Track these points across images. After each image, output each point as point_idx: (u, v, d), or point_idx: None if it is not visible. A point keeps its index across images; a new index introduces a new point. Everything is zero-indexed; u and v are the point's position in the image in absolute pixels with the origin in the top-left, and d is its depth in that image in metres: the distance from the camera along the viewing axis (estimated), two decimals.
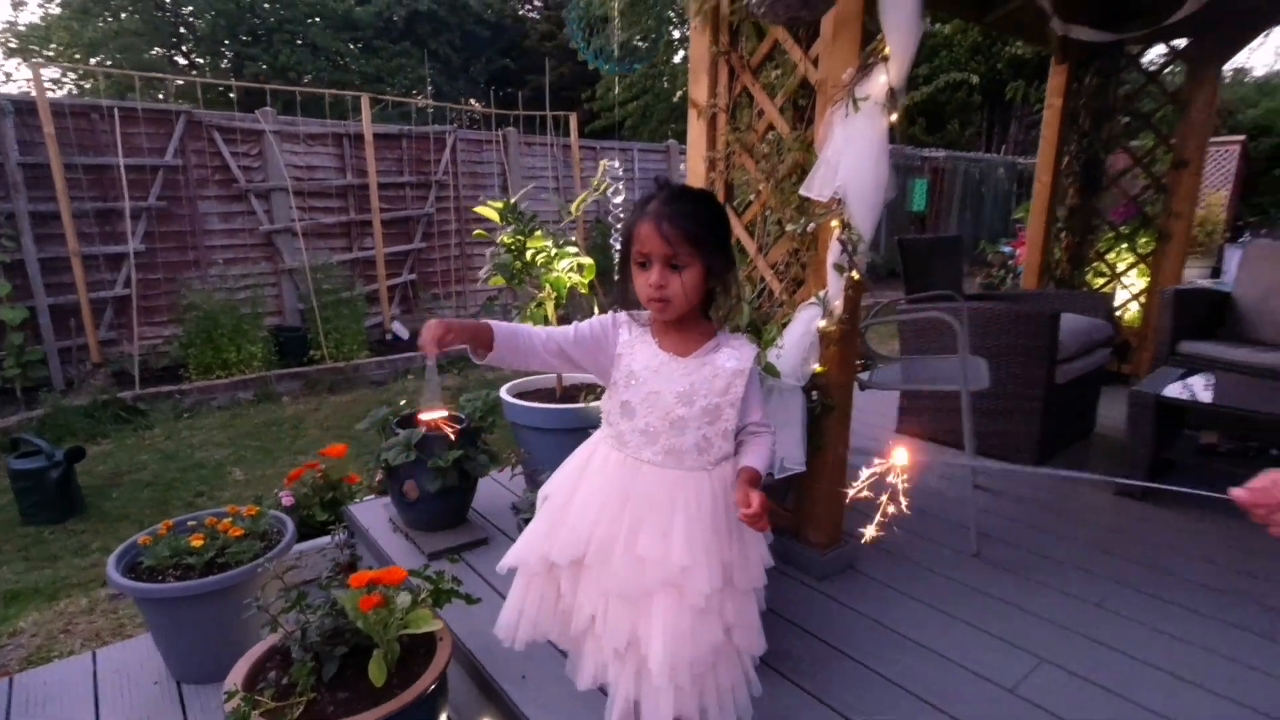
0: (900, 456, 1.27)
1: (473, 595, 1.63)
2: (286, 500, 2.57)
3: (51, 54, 15.36)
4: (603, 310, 1.69)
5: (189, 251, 5.32)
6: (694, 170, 2.33)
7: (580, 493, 1.30)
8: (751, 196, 2.21)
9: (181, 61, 15.80)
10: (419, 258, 6.56)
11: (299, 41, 15.78)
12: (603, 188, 2.63)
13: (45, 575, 2.81)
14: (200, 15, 14.95)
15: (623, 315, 1.30)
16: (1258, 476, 0.88)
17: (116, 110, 4.76)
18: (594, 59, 2.37)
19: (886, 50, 1.67)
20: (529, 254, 2.40)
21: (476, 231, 2.63)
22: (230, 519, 2.07)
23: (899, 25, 1.65)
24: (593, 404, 2.47)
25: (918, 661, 1.75)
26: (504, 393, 2.58)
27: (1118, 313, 4.37)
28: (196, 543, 1.95)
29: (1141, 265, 4.38)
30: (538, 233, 2.43)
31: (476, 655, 1.75)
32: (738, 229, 2.26)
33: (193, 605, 1.85)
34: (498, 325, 1.24)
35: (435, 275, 6.71)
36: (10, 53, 15.44)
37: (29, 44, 15.28)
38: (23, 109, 4.50)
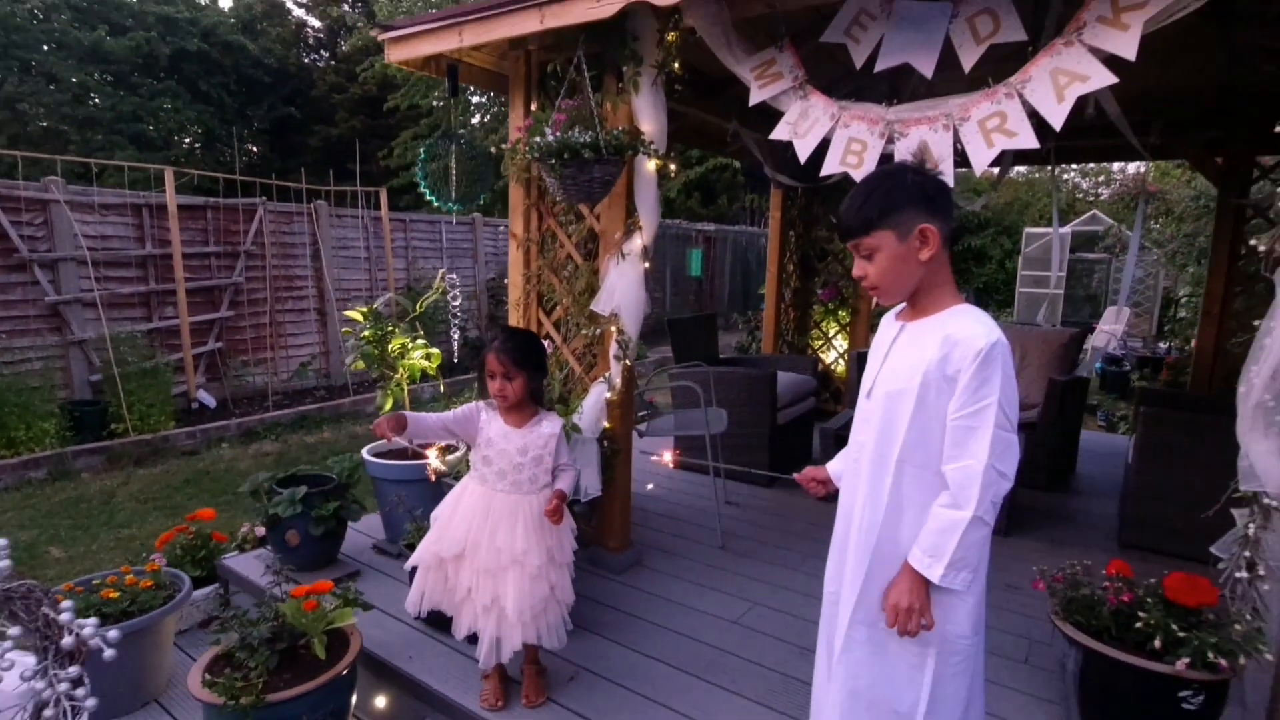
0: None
1: (368, 604, 2.27)
2: (160, 561, 2.89)
3: None
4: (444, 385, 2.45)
5: None
6: (514, 283, 3.16)
7: (459, 512, 2.06)
8: (558, 303, 3.08)
9: None
10: (226, 326, 6.59)
11: (31, 70, 14.22)
12: (441, 289, 3.35)
13: None
14: None
15: (482, 404, 2.09)
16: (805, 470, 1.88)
17: None
18: (437, 200, 3.11)
19: (641, 223, 2.66)
20: (390, 345, 3.04)
21: (344, 330, 3.18)
22: (134, 575, 2.46)
23: (646, 209, 2.64)
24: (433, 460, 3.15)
25: (679, 613, 2.68)
26: (366, 453, 3.16)
27: (834, 366, 5.90)
28: (110, 595, 2.34)
29: (844, 331, 5.95)
30: (394, 330, 3.08)
31: (370, 649, 2.36)
32: (548, 326, 3.12)
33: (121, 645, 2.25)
34: (410, 415, 1.98)
35: (245, 342, 6.76)
36: None
37: None
38: None
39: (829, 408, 5.69)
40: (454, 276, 3.28)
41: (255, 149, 18.67)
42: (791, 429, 4.49)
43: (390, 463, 3.09)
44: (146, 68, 15.75)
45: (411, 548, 2.41)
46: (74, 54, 14.46)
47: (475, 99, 15.64)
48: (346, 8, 19.56)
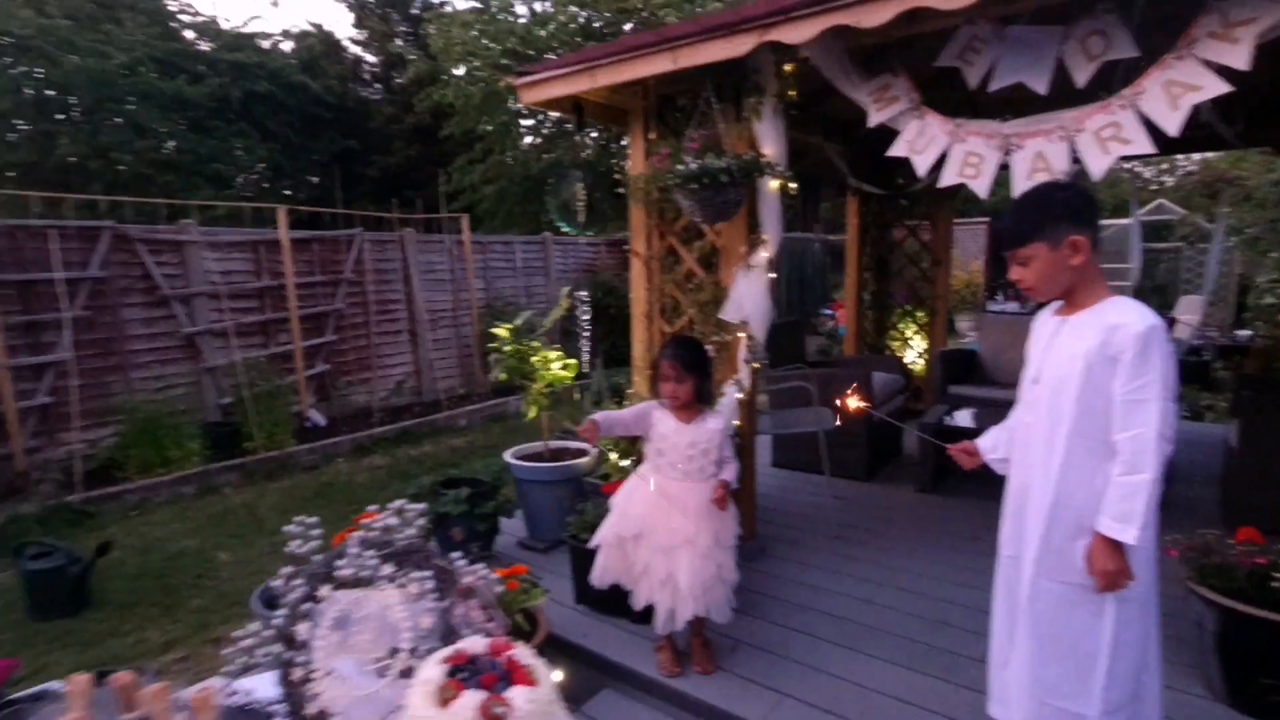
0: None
1: (544, 589, 2.57)
2: None
3: None
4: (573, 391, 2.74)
5: (111, 357, 5.56)
6: (638, 296, 3.45)
7: (636, 498, 2.34)
8: (683, 313, 3.35)
9: None
10: (331, 349, 7.08)
11: (119, 120, 15.24)
12: (567, 307, 3.66)
13: (100, 655, 3.22)
14: (6, 93, 13.98)
15: (655, 403, 2.37)
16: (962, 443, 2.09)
17: (59, 231, 5.07)
18: (567, 226, 3.42)
19: (765, 238, 2.92)
20: (532, 358, 3.36)
21: (491, 345, 3.51)
22: None
23: (771, 225, 2.90)
24: (574, 461, 3.46)
25: (813, 594, 2.92)
26: (509, 457, 3.47)
27: (912, 366, 6.05)
28: None
29: (921, 332, 6.09)
30: (537, 345, 3.39)
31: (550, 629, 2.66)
32: (671, 335, 3.39)
33: None
34: (602, 417, 2.28)
35: (348, 364, 7.25)
36: None
37: None
38: None
39: (912, 406, 5.84)
40: (584, 293, 3.58)
41: (317, 180, 19.56)
42: (884, 425, 4.67)
43: (532, 465, 3.40)
44: (220, 112, 16.70)
45: (574, 538, 2.72)
46: (157, 103, 15.45)
47: (526, 122, 16.17)
48: (400, 43, 20.41)
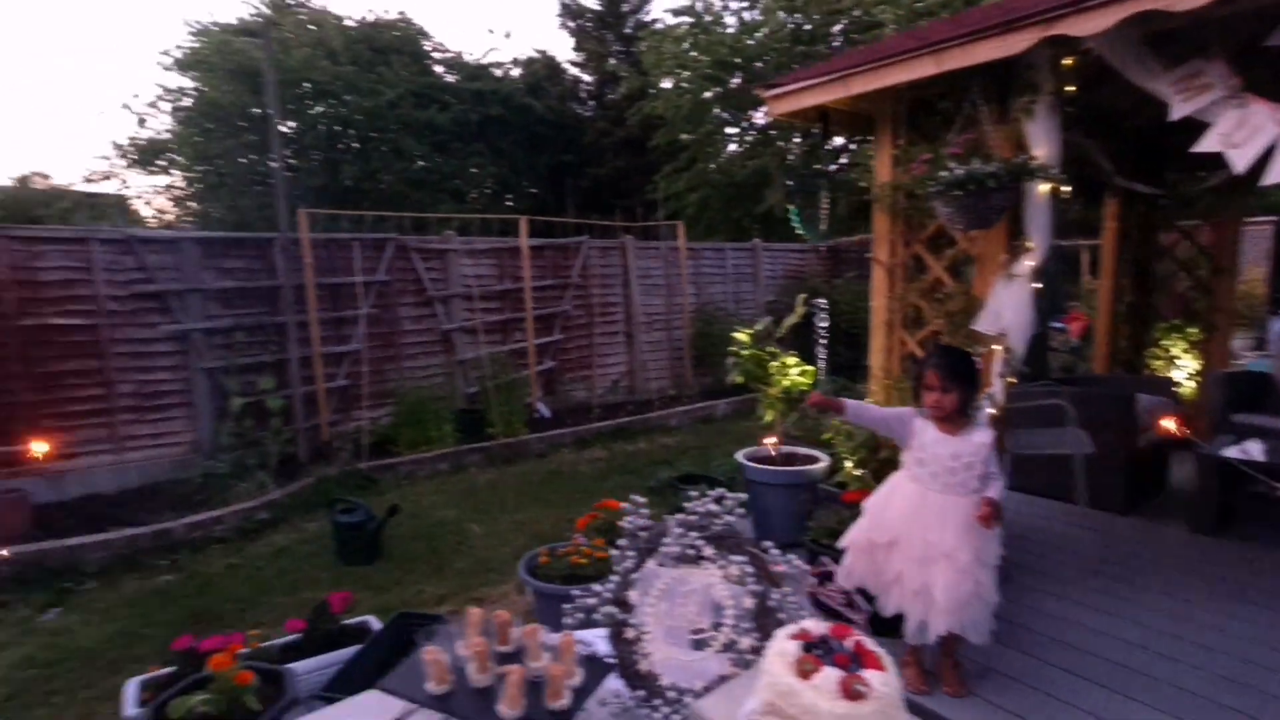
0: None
1: None
2: (580, 540, 3.57)
3: (165, 163, 17.47)
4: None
5: (389, 348, 6.55)
6: (879, 305, 3.41)
7: (891, 504, 2.33)
8: (929, 325, 3.25)
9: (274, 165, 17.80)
10: (558, 347, 7.74)
11: (384, 148, 17.73)
12: (802, 314, 3.70)
13: (391, 599, 3.82)
14: (309, 130, 16.77)
15: (916, 411, 2.34)
16: None
17: (359, 242, 6.12)
18: (807, 232, 3.48)
19: (1030, 245, 2.75)
20: (769, 364, 3.45)
21: (731, 349, 3.66)
22: (590, 547, 3.10)
23: (1038, 232, 2.73)
24: (807, 467, 3.49)
25: (1067, 628, 2.69)
26: (742, 458, 3.59)
27: (1175, 389, 5.29)
28: (579, 561, 2.98)
29: (1192, 350, 5.31)
30: (775, 350, 3.48)
31: None
32: (912, 344, 3.30)
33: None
34: (851, 402, 2.31)
35: (571, 362, 7.89)
36: (132, 163, 17.52)
37: (152, 157, 17.28)
38: (286, 243, 5.82)
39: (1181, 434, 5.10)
40: (822, 300, 3.62)
41: (536, 192, 21.27)
42: (1148, 453, 4.16)
43: (766, 467, 3.48)
44: (460, 134, 18.79)
45: (815, 542, 2.75)
46: (413, 131, 17.80)
47: (731, 130, 16.39)
48: (613, 61, 21.64)
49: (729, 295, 9.39)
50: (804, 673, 1.02)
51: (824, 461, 3.46)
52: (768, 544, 1.49)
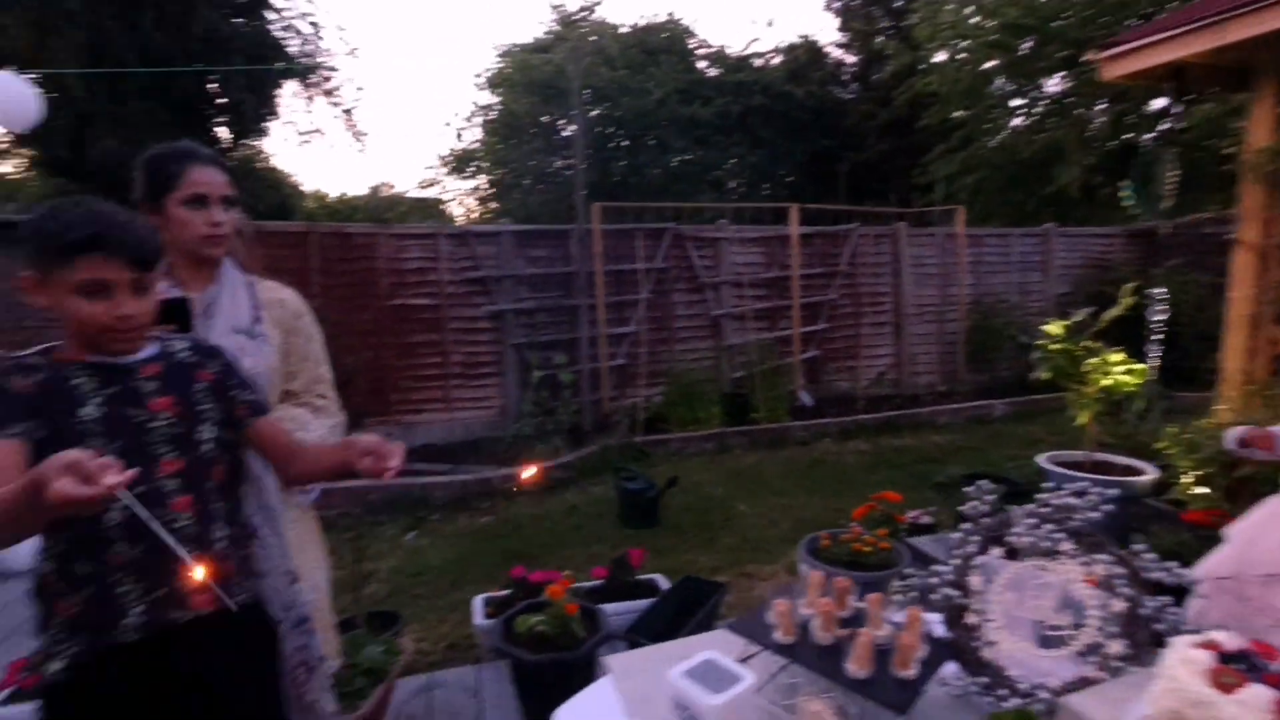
0: None
1: None
2: (858, 529, 3.53)
3: (473, 169, 20.32)
4: None
5: (663, 331, 7.02)
6: (1239, 296, 2.86)
7: (1272, 532, 1.96)
8: None
9: (561, 164, 19.72)
10: (822, 337, 7.65)
11: (652, 143, 18.75)
12: (1128, 303, 3.24)
13: (668, 563, 4.13)
14: (587, 131, 18.26)
15: None
16: None
17: (641, 232, 6.67)
18: (1143, 209, 3.04)
19: None
20: (1088, 361, 3.09)
21: (1039, 342, 3.36)
22: (873, 536, 3.07)
23: None
24: (1129, 478, 3.06)
25: None
26: (1044, 461, 3.27)
27: None
28: (861, 549, 2.96)
29: None
30: (1091, 345, 3.11)
31: None
32: None
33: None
34: None
35: (835, 351, 7.76)
36: (450, 171, 20.67)
37: (465, 164, 20.22)
38: (581, 233, 6.50)
39: None
40: (1160, 289, 3.14)
41: (791, 179, 20.99)
42: None
43: (1077, 474, 3.13)
44: (721, 127, 19.19)
45: None
46: (679, 126, 18.61)
47: (1017, 102, 14.68)
48: (881, 39, 20.51)
49: (1012, 286, 8.47)
50: (1223, 685, 0.93)
51: (1150, 474, 3.01)
52: (1139, 546, 1.36)
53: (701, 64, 20.76)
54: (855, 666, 1.27)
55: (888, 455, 6.32)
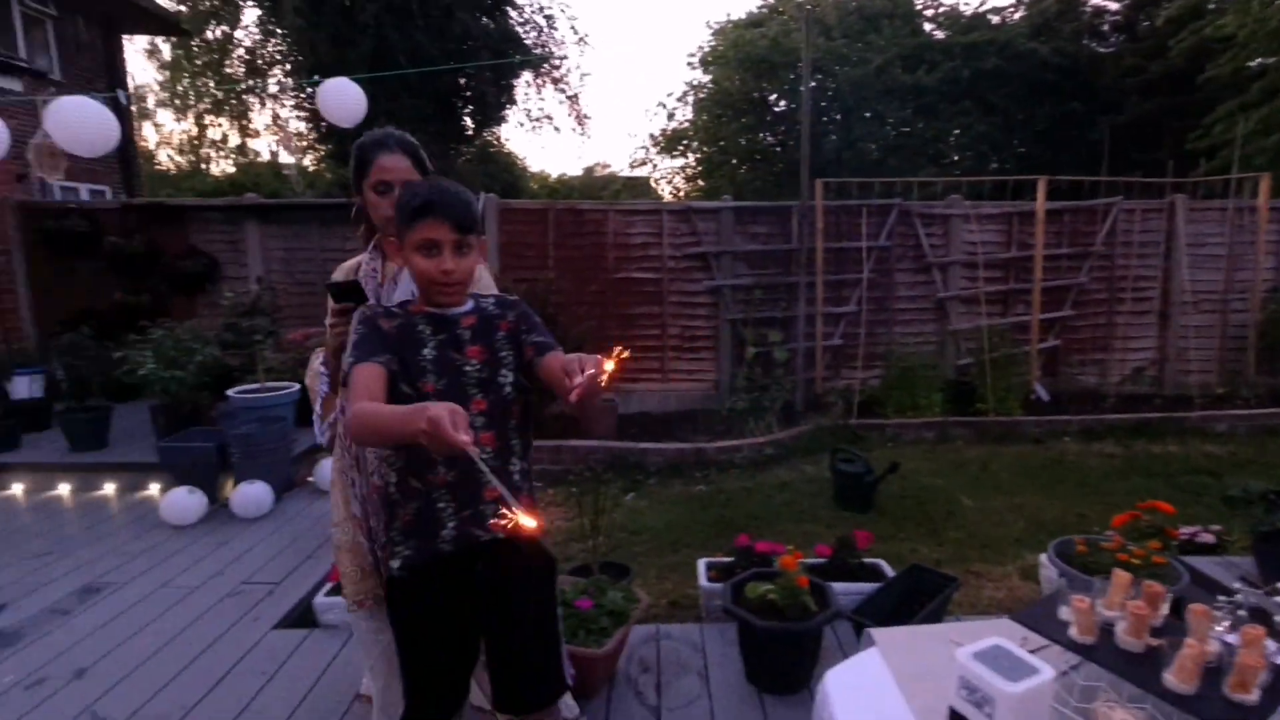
0: None
1: None
2: (1119, 539, 3.16)
3: (683, 148, 20.58)
4: None
5: (882, 313, 6.71)
6: None
7: None
8: None
9: (772, 141, 19.31)
10: (1065, 325, 6.86)
11: (867, 115, 17.72)
12: None
13: (885, 550, 4.00)
14: (799, 107, 17.70)
15: None
16: None
17: (865, 208, 6.42)
18: None
19: None
20: None
21: None
22: (1141, 548, 2.74)
23: None
24: None
25: None
26: None
27: None
28: (1127, 559, 2.66)
29: None
30: None
31: None
32: None
33: None
34: None
35: (1080, 342, 6.93)
36: (660, 150, 21.14)
37: (675, 143, 20.55)
38: (805, 210, 6.38)
39: None
40: None
41: (1024, 151, 18.79)
42: None
43: None
44: (949, 94, 17.64)
45: None
46: (898, 96, 17.42)
47: None
48: None
49: None
50: None
51: None
52: None
53: (928, 26, 19.23)
54: (1178, 680, 1.17)
55: (1143, 462, 5.55)
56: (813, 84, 16.93)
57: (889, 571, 3.30)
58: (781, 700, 2.56)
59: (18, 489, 4.67)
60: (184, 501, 4.07)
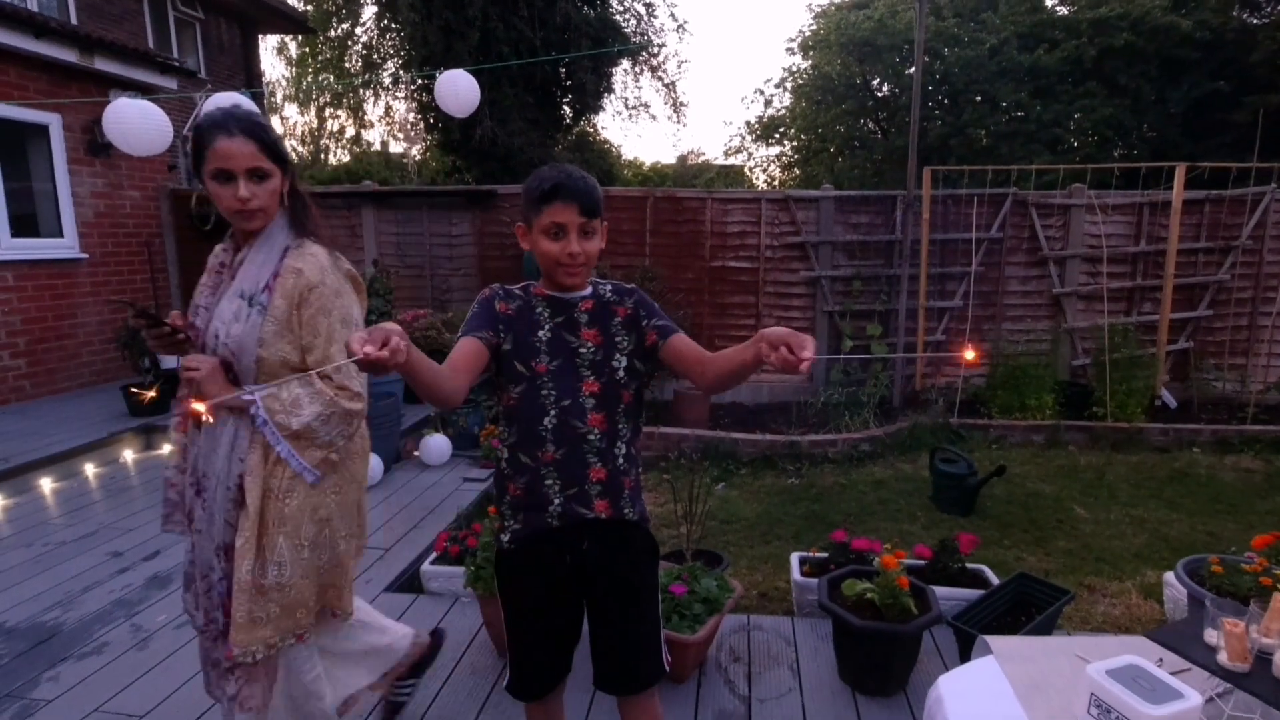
0: None
1: None
2: (1263, 561, 2.89)
3: (779, 134, 20.10)
4: None
5: (990, 307, 6.38)
6: None
7: None
8: None
9: (873, 127, 18.59)
10: (1200, 325, 6.30)
11: (978, 98, 16.73)
12: None
13: (993, 556, 3.82)
14: (906, 90, 16.94)
15: None
16: None
17: (976, 198, 6.10)
18: None
19: None
20: None
21: None
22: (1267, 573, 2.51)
23: None
24: None
25: None
26: None
27: None
28: (1269, 583, 2.44)
29: None
30: None
31: None
32: None
33: None
34: None
35: (1218, 344, 6.35)
36: (756, 138, 20.74)
37: (771, 131, 20.11)
38: (910, 199, 6.14)
39: None
40: None
41: (1155, 135, 17.26)
42: None
43: None
44: (1070, 75, 16.42)
45: None
46: (1013, 77, 16.35)
47: None
48: None
49: None
50: None
51: None
52: None
53: (1050, 1, 17.97)
54: None
55: None
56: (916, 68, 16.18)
57: (993, 579, 3.16)
58: (875, 702, 2.52)
59: (168, 449, 5.16)
60: None
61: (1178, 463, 5.38)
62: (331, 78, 14.20)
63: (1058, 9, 17.90)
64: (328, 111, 15.75)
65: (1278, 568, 2.64)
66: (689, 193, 6.74)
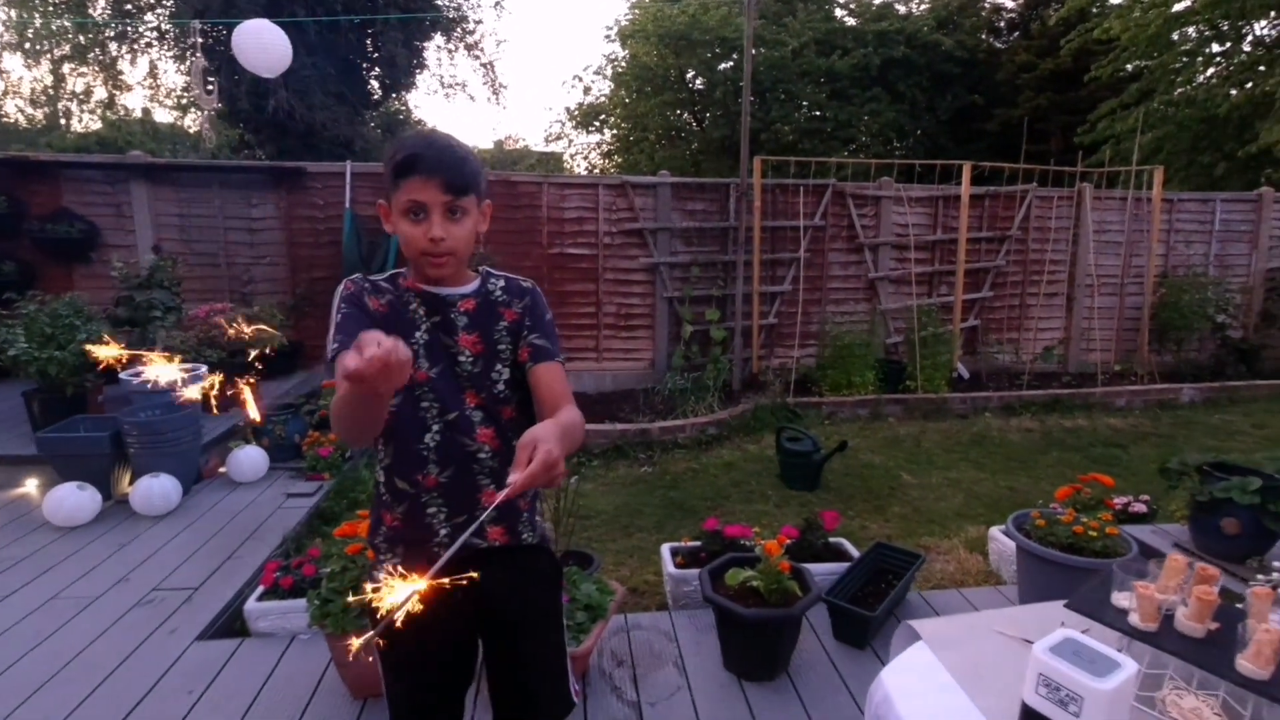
0: None
1: None
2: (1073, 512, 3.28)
3: (599, 123, 20.25)
4: None
5: (816, 292, 6.79)
6: None
7: None
8: None
9: (688, 119, 19.29)
10: (984, 305, 7.17)
11: (782, 97, 17.98)
12: None
13: (841, 528, 4.03)
14: (718, 85, 17.76)
15: None
16: None
17: (802, 188, 6.43)
18: None
19: None
20: None
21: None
22: (1096, 520, 2.85)
23: None
24: None
25: None
26: None
27: None
28: (1081, 532, 2.76)
29: None
30: None
31: None
32: None
33: (1065, 572, 2.66)
34: None
35: (998, 322, 7.27)
36: (576, 125, 20.70)
37: (592, 118, 20.15)
38: (743, 188, 6.33)
39: None
40: None
41: (927, 138, 19.58)
42: None
43: None
44: (859, 80, 18.12)
45: None
46: (813, 79, 17.73)
47: (1215, 48, 13.02)
48: None
49: (1208, 259, 7.59)
50: None
51: None
52: None
53: (840, 12, 19.65)
54: (1252, 665, 1.14)
55: (1059, 436, 5.90)
56: (729, 65, 16.98)
57: (853, 551, 3.30)
58: (761, 687, 2.50)
59: None
60: (73, 499, 3.56)
61: (976, 428, 6.07)
62: (67, 23, 11.74)
63: (847, 20, 19.60)
64: (67, 67, 13.08)
65: (1084, 515, 3.00)
66: (524, 176, 6.44)
